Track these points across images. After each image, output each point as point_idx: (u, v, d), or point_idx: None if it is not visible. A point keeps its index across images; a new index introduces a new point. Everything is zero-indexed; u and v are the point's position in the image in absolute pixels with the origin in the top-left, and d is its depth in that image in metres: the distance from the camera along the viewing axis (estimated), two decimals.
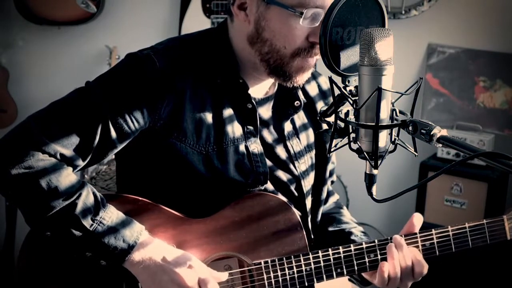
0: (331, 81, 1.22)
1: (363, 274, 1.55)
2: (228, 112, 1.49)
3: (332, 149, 1.24)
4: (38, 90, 3.48)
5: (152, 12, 3.36)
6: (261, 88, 1.56)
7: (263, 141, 1.55)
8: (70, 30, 3.40)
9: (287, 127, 1.60)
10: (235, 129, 1.50)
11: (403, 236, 1.50)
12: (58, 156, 1.35)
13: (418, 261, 1.46)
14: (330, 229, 1.68)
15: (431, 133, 1.12)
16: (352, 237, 1.62)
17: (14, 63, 3.52)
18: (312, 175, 1.64)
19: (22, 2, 3.26)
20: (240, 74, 1.50)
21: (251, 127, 1.52)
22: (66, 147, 1.36)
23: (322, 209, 1.69)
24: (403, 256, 1.46)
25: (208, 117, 1.47)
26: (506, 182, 2.86)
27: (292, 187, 1.58)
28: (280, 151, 1.58)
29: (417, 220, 1.52)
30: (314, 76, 1.69)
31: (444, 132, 1.12)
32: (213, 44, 1.52)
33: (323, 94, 1.69)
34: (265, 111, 1.57)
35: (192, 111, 1.45)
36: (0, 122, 3.35)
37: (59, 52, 3.48)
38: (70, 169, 1.38)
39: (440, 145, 1.12)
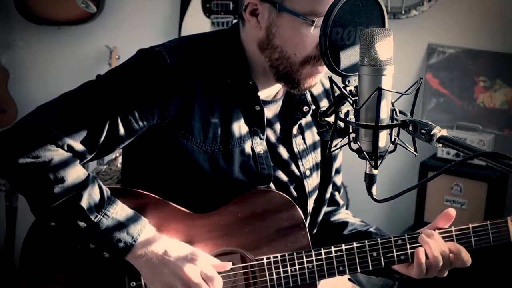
0: (331, 81, 1.22)
1: (396, 268, 1.54)
2: (236, 113, 1.50)
3: (332, 149, 1.25)
4: (38, 90, 3.47)
5: (152, 12, 3.36)
6: (270, 91, 1.56)
7: (266, 141, 1.55)
8: (70, 30, 3.40)
9: (294, 129, 1.60)
10: (241, 130, 1.50)
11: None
12: (66, 148, 1.36)
13: (457, 248, 1.47)
14: (345, 232, 1.69)
15: (431, 133, 1.12)
16: (371, 229, 1.65)
17: (14, 63, 3.52)
18: (315, 175, 1.64)
19: (22, 2, 3.25)
20: (250, 76, 1.51)
21: (257, 129, 1.52)
22: (74, 139, 1.37)
23: (324, 209, 1.69)
24: (437, 242, 1.46)
25: (216, 117, 1.48)
26: (506, 182, 2.85)
27: (292, 188, 1.58)
28: (283, 151, 1.58)
29: (452, 213, 1.51)
30: None
31: (444, 132, 1.12)
32: (225, 45, 1.52)
33: (326, 93, 1.69)
34: (271, 112, 1.57)
35: (201, 110, 1.46)
36: (0, 122, 3.35)
37: (59, 52, 3.48)
38: (77, 160, 1.39)
39: (440, 145, 1.12)
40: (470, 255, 1.48)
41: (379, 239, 1.49)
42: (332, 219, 1.74)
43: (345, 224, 1.71)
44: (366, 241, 1.49)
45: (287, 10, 1.39)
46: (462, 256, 1.47)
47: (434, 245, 1.45)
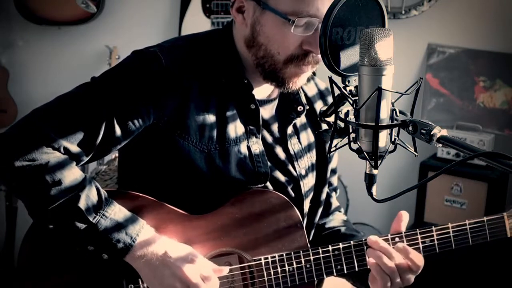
0: (331, 81, 1.22)
1: (370, 284, 1.52)
2: (231, 112, 1.50)
3: (332, 149, 1.25)
4: (38, 90, 3.48)
5: (152, 12, 3.36)
6: (264, 90, 1.57)
7: (263, 141, 1.55)
8: (70, 30, 3.40)
9: (288, 128, 1.60)
10: (237, 129, 1.50)
11: (388, 236, 1.49)
12: (62, 150, 1.36)
13: (410, 257, 1.44)
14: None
15: (431, 133, 1.12)
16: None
17: (14, 63, 3.52)
18: (311, 176, 1.64)
19: (22, 2, 3.25)
20: (245, 75, 1.51)
21: (253, 127, 1.52)
22: (70, 141, 1.36)
23: (320, 210, 1.69)
24: (390, 254, 1.44)
25: (212, 116, 1.48)
26: (506, 182, 2.85)
27: (289, 188, 1.58)
28: (280, 151, 1.58)
29: (405, 218, 1.50)
30: (312, 77, 1.68)
31: (444, 132, 1.12)
32: (219, 45, 1.52)
33: (321, 94, 1.69)
34: (267, 112, 1.57)
35: (196, 109, 1.46)
36: (0, 122, 3.36)
37: (59, 52, 3.48)
38: (74, 163, 1.39)
39: (440, 145, 1.12)
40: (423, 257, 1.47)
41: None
42: (328, 226, 1.72)
43: (337, 232, 1.69)
44: (363, 240, 1.49)
45: (270, 8, 1.40)
46: (411, 257, 1.44)
47: (386, 259, 1.42)
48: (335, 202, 1.78)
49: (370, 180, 1.22)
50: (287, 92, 1.56)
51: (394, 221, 1.51)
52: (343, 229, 1.70)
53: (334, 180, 1.77)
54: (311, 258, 1.48)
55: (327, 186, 1.70)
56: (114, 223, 1.38)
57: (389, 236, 1.50)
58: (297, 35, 1.39)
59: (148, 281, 1.41)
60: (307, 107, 1.61)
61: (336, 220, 1.75)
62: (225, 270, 1.44)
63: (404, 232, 1.49)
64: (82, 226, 1.36)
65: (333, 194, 1.77)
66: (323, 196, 1.68)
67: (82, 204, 1.35)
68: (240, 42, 1.50)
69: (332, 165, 1.73)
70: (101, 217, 1.37)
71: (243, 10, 1.45)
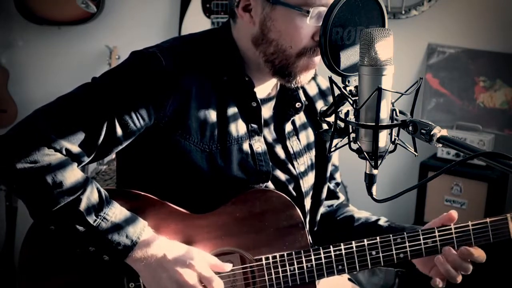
0: (331, 81, 1.22)
1: (418, 267, 1.57)
2: (232, 110, 1.50)
3: (332, 149, 1.25)
4: (38, 90, 3.48)
5: (152, 12, 3.36)
6: (264, 88, 1.57)
7: (264, 139, 1.55)
8: (70, 30, 3.40)
9: (287, 127, 1.60)
10: (239, 128, 1.51)
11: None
12: (64, 152, 1.36)
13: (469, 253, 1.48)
14: (355, 224, 1.69)
15: (431, 133, 1.12)
16: (380, 222, 1.66)
17: (14, 63, 3.52)
18: (311, 175, 1.64)
19: (22, 2, 3.25)
20: (246, 72, 1.51)
21: (255, 126, 1.53)
22: (72, 142, 1.36)
23: (321, 209, 1.69)
24: (453, 261, 1.48)
25: (213, 115, 1.48)
26: (506, 182, 2.85)
27: (290, 187, 1.58)
28: (279, 150, 1.58)
29: (454, 215, 1.52)
30: (314, 76, 1.69)
31: (444, 132, 1.12)
32: (218, 43, 1.53)
33: (322, 94, 1.69)
34: (266, 111, 1.58)
35: (197, 109, 1.46)
36: (0, 122, 3.36)
37: (59, 52, 3.48)
38: (75, 164, 1.39)
39: (440, 145, 1.12)
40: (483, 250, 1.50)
41: (378, 238, 1.49)
42: (340, 217, 1.73)
43: (352, 218, 1.71)
44: (365, 240, 1.49)
45: (281, 3, 1.40)
46: (475, 257, 1.49)
47: (447, 267, 1.49)
48: (341, 196, 1.79)
49: (370, 180, 1.22)
50: (286, 89, 1.56)
51: (443, 218, 1.52)
52: (360, 215, 1.72)
53: (338, 176, 1.78)
54: (312, 258, 1.48)
55: (327, 184, 1.70)
56: (115, 226, 1.37)
57: (391, 237, 1.50)
58: (310, 27, 1.40)
59: (147, 283, 1.41)
60: (306, 103, 1.61)
61: (347, 209, 1.76)
62: (227, 267, 1.45)
63: (406, 233, 1.49)
64: (82, 229, 1.36)
65: (338, 189, 1.78)
66: (324, 194, 1.69)
67: (83, 207, 1.35)
68: (244, 40, 1.49)
69: (333, 162, 1.73)
70: (102, 220, 1.37)
71: (249, 9, 1.45)
